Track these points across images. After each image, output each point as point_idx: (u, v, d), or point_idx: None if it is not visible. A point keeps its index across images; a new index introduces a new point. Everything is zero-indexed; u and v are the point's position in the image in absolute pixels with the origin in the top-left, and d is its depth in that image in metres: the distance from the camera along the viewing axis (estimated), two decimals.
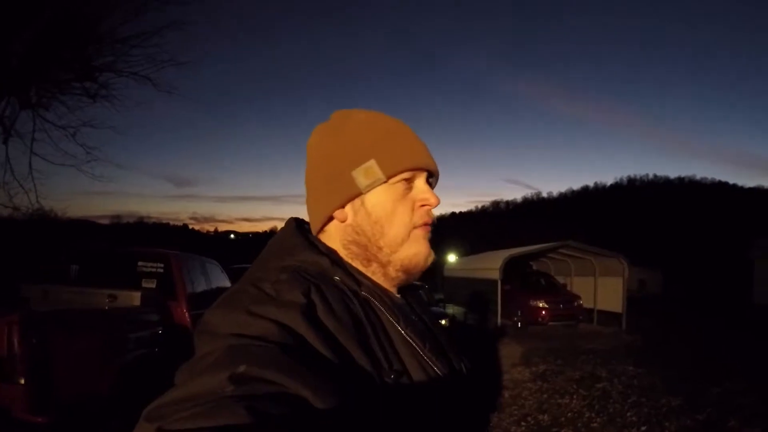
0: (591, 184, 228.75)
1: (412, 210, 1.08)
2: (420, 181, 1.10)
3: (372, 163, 1.06)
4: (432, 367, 1.00)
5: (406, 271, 1.09)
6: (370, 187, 1.07)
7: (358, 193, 1.08)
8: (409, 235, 1.08)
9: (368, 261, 1.09)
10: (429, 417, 0.94)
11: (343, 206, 1.11)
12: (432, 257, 1.12)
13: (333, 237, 1.13)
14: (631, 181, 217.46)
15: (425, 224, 1.10)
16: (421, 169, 1.09)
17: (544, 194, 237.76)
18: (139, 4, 15.15)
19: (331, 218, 1.13)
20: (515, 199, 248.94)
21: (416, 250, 1.09)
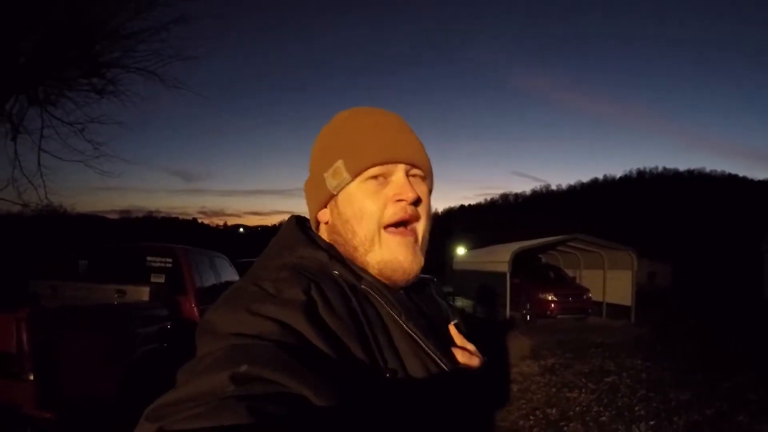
0: (600, 176, 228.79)
1: (385, 206, 1.05)
2: (398, 176, 1.07)
3: (339, 163, 1.07)
4: (436, 361, 0.99)
5: (386, 277, 1.06)
6: (339, 187, 1.08)
7: (331, 195, 1.10)
8: (380, 236, 1.05)
9: (352, 261, 1.08)
10: (431, 413, 0.94)
11: (322, 208, 1.14)
12: (416, 263, 1.08)
13: (324, 237, 1.14)
14: (641, 173, 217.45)
15: (401, 221, 1.06)
16: (392, 162, 1.07)
17: (553, 187, 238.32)
18: (146, 1, 15.19)
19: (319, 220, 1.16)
20: (524, 191, 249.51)
21: (389, 257, 1.05)
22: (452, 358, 1.07)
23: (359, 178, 1.06)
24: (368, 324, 0.94)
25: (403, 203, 1.05)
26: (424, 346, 0.99)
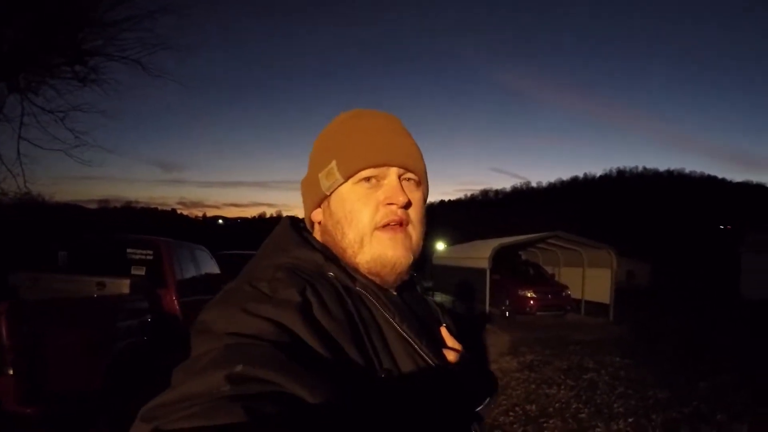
0: (581, 175, 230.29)
1: (375, 209, 1.06)
2: (390, 179, 1.08)
3: (333, 164, 1.08)
4: (429, 362, 1.00)
5: (375, 274, 1.07)
6: (331, 188, 1.09)
7: (324, 196, 1.11)
8: (371, 237, 1.06)
9: (343, 260, 1.09)
10: (425, 412, 0.94)
11: (316, 208, 1.14)
12: (405, 259, 1.08)
13: (318, 238, 1.16)
14: (621, 172, 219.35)
15: (391, 223, 1.06)
16: (384, 166, 1.07)
17: (534, 184, 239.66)
18: None
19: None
20: (504, 188, 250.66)
21: (379, 253, 1.05)
22: (444, 358, 1.09)
23: (351, 180, 1.07)
24: (363, 325, 0.95)
25: (393, 207, 1.06)
26: (417, 347, 1.00)
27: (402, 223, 1.07)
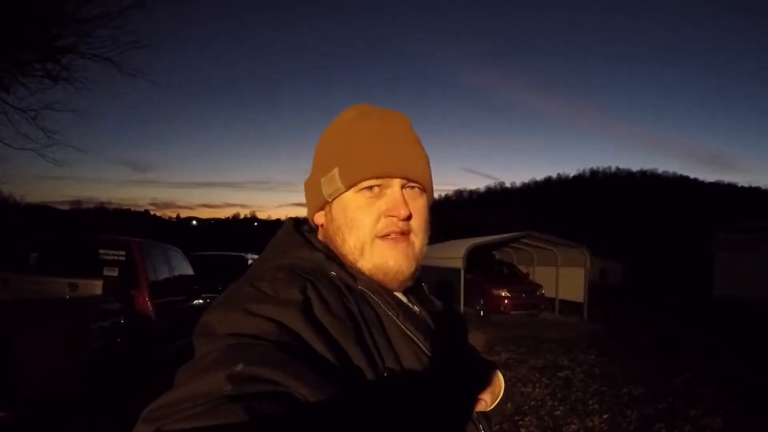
0: (554, 175, 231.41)
1: (377, 219, 1.05)
2: (393, 190, 1.06)
3: (335, 171, 1.07)
4: (434, 361, 1.01)
5: (377, 280, 1.06)
6: (333, 195, 1.08)
7: (325, 201, 1.10)
8: (372, 245, 1.05)
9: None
10: (428, 411, 0.94)
11: (319, 211, 1.14)
12: (407, 268, 1.07)
13: (321, 239, 1.15)
14: (594, 172, 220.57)
15: (392, 234, 1.05)
16: (387, 177, 1.06)
17: (507, 184, 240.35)
18: None
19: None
20: (478, 188, 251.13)
21: (379, 262, 1.05)
22: (449, 357, 1.09)
23: (353, 189, 1.06)
24: (365, 323, 0.95)
25: (394, 219, 1.05)
26: (422, 346, 1.01)
27: (404, 233, 1.07)
